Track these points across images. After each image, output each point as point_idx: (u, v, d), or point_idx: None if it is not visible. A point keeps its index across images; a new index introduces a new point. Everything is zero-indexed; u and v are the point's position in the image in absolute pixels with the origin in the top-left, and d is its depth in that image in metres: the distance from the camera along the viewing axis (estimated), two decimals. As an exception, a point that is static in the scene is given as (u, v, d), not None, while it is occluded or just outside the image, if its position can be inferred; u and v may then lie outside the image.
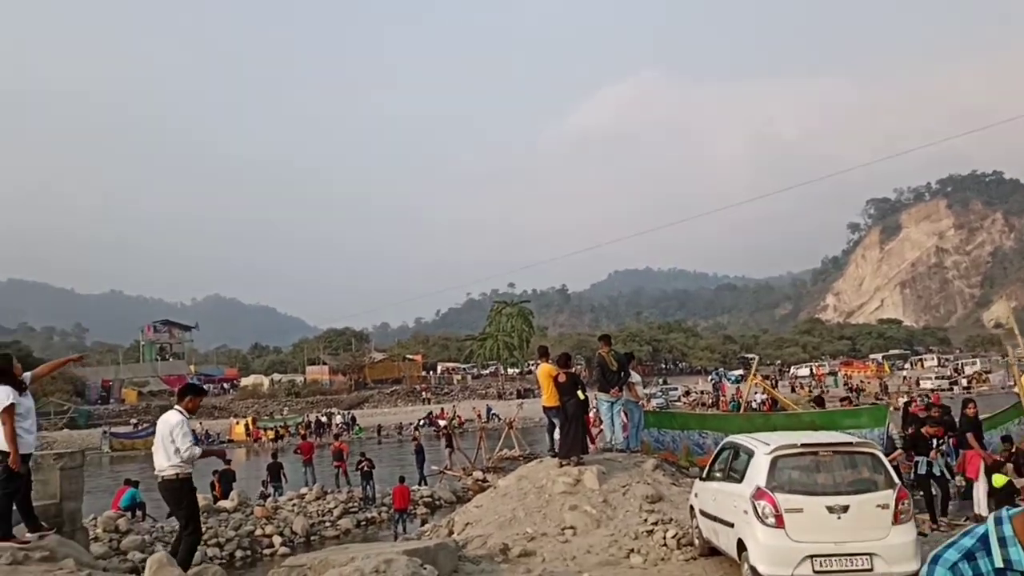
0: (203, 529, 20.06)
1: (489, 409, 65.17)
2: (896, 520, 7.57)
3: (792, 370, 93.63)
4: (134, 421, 66.07)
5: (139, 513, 20.05)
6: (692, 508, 9.69)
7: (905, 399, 39.79)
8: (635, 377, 13.26)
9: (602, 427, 13.28)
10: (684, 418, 15.59)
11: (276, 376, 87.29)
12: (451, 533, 11.13)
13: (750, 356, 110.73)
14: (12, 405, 6.77)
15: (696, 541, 9.49)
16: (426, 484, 28.19)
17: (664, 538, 9.76)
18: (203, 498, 21.63)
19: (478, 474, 30.00)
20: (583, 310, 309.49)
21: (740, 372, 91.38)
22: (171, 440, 7.21)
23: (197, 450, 7.38)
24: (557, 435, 12.58)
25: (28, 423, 6.98)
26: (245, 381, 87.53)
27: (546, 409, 12.34)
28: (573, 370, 12.24)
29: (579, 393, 11.63)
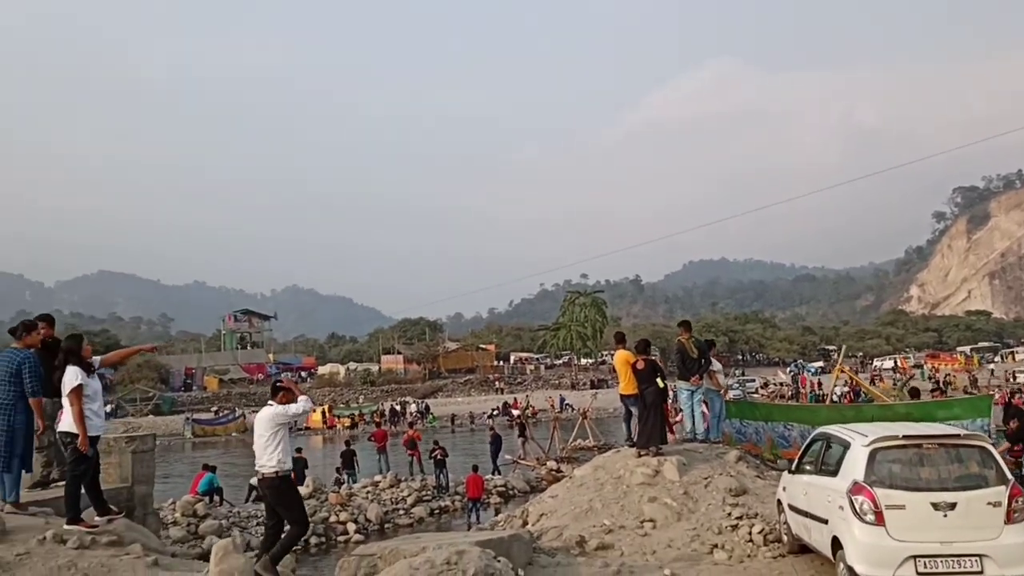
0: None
1: (562, 399, 64.82)
2: (1009, 519, 6.93)
3: (875, 363, 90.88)
4: (215, 408, 67.50)
5: (216, 498, 20.27)
6: (780, 502, 9.16)
7: (1002, 391, 38.12)
8: (716, 365, 12.72)
9: (681, 417, 12.74)
10: (768, 409, 14.91)
11: (352, 365, 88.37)
12: (525, 524, 10.80)
13: (831, 347, 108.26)
14: (81, 386, 6.68)
15: (784, 537, 8.96)
16: (499, 473, 27.99)
17: (750, 533, 9.25)
18: (279, 484, 21.96)
19: (552, 464, 29.72)
20: (657, 301, 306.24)
21: (820, 364, 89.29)
22: (271, 436, 7.06)
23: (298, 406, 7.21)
24: (635, 424, 12.15)
25: (96, 405, 6.89)
26: (322, 370, 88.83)
27: (623, 397, 11.91)
28: (652, 357, 11.78)
29: (658, 381, 11.18)
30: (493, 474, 27.88)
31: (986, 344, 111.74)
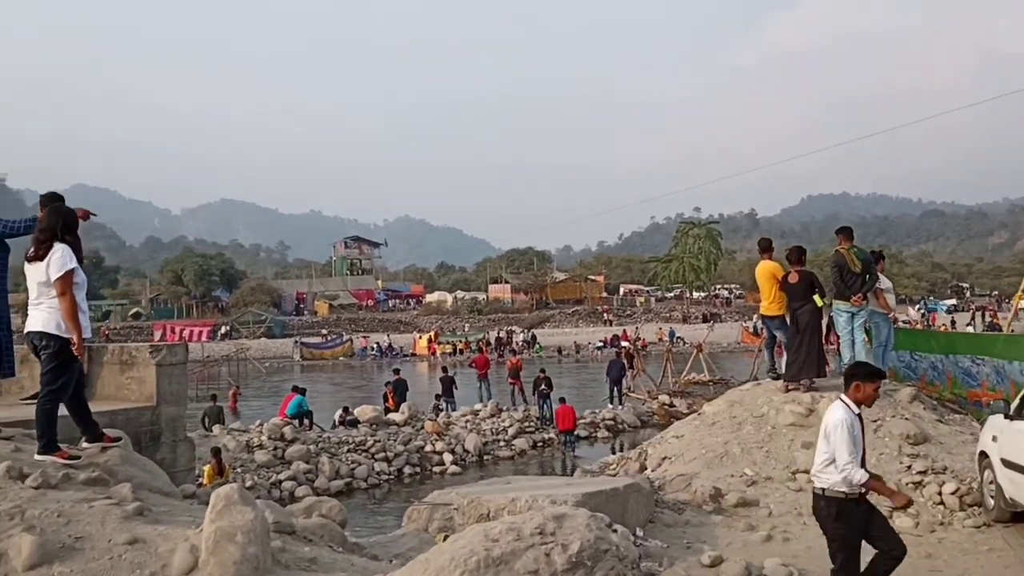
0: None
1: (673, 333, 62.53)
2: None
3: (1016, 301, 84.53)
4: (324, 332, 68.01)
5: (306, 422, 19.17)
6: (983, 456, 7.04)
7: None
8: (884, 283, 10.28)
9: (837, 344, 10.39)
10: (949, 338, 12.40)
11: (460, 293, 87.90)
12: (643, 469, 8.95)
13: (964, 284, 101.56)
14: (72, 271, 5.06)
15: (991, 500, 6.84)
16: (619, 403, 26.28)
17: (939, 494, 7.16)
18: (373, 409, 20.66)
19: (664, 398, 27.77)
20: (773, 236, 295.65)
21: (952, 302, 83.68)
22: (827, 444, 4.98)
23: (858, 475, 4.94)
24: (780, 352, 10.05)
25: (81, 297, 5.24)
26: (429, 297, 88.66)
27: (766, 319, 9.78)
28: (808, 269, 9.57)
29: (816, 298, 9.04)
30: (611, 403, 26.23)
31: None
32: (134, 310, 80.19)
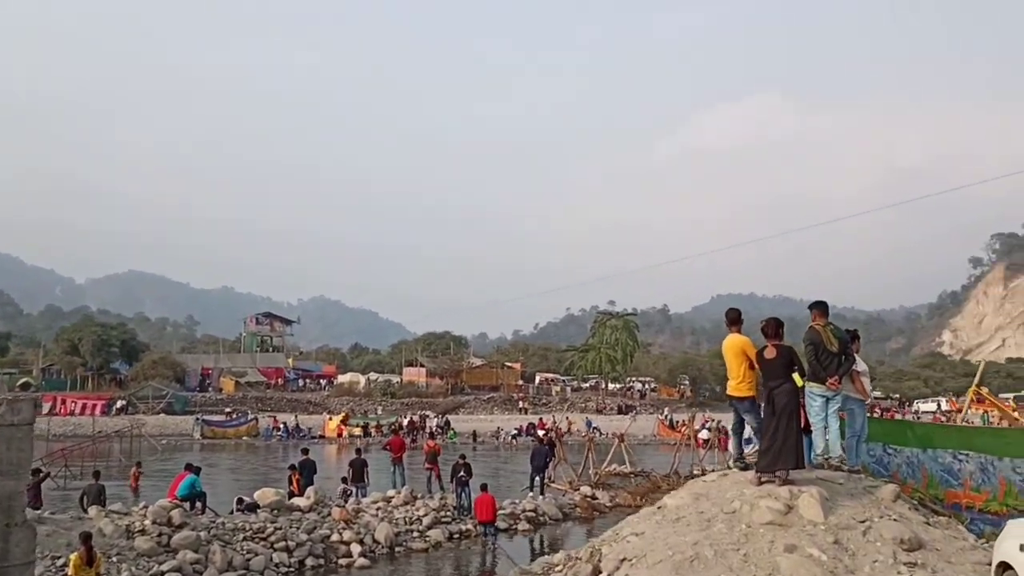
0: (275, 528, 17.23)
1: (590, 422, 61.64)
2: None
3: (916, 404, 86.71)
4: (228, 410, 64.95)
5: (198, 504, 17.24)
6: (1005, 567, 6.01)
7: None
8: (860, 365, 9.34)
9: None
10: (927, 430, 11.39)
11: (373, 375, 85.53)
12: (597, 572, 7.67)
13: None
14: None
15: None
16: (543, 494, 24.79)
17: (950, 612, 6.08)
18: (275, 492, 18.80)
19: (586, 489, 26.54)
20: (684, 332, 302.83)
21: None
22: None
23: None
24: (749, 437, 8.96)
25: None
26: (341, 378, 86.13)
27: (735, 400, 8.70)
28: (786, 343, 8.56)
29: (795, 377, 8.03)
30: (530, 491, 24.78)
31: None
32: (23, 380, 74.98)
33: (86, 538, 11.96)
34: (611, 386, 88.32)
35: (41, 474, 19.85)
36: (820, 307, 9.19)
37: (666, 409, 75.20)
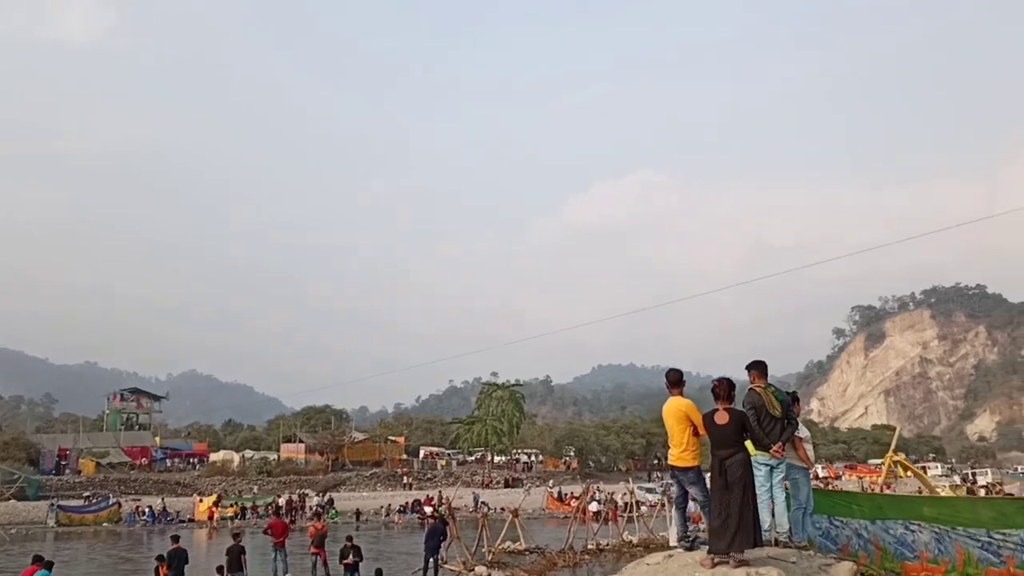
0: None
1: (477, 497, 60.07)
2: None
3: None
4: (87, 494, 60.30)
5: (48, 605, 15.09)
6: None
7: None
8: (803, 431, 8.56)
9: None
10: (876, 500, 10.59)
11: (248, 453, 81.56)
12: None
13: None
14: None
15: None
16: (436, 575, 23.25)
17: None
18: (139, 588, 16.75)
19: (481, 569, 25.06)
20: (566, 402, 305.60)
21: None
22: None
23: None
24: (693, 511, 8.02)
25: None
26: (214, 457, 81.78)
27: (678, 471, 7.73)
28: (737, 408, 7.68)
29: (749, 445, 7.15)
30: (429, 573, 23.22)
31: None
32: None
33: None
34: (497, 458, 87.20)
35: None
36: (759, 367, 8.42)
37: (551, 481, 74.44)
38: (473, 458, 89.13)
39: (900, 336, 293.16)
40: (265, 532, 23.21)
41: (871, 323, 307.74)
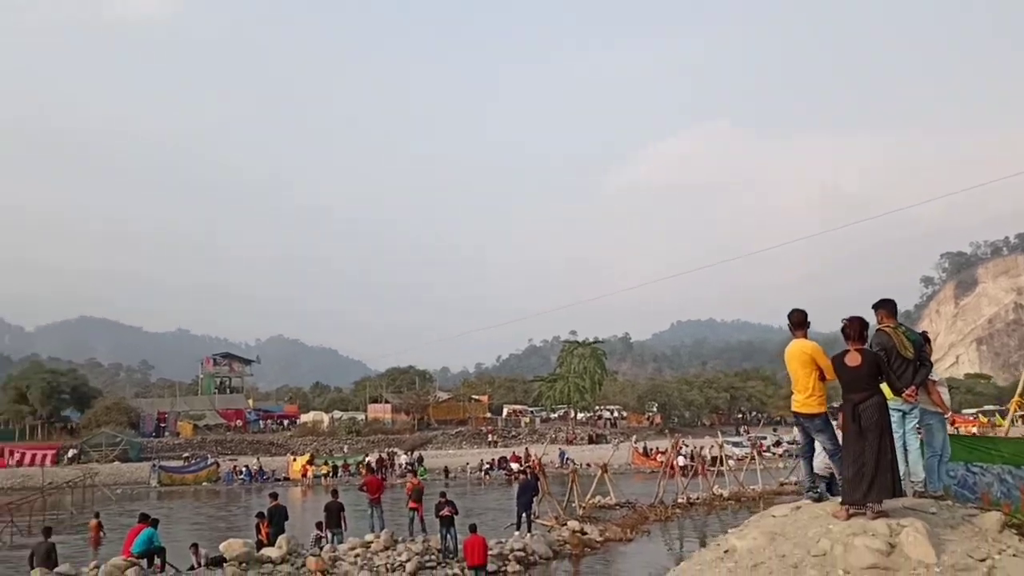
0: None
1: (562, 453, 60.25)
2: None
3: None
4: (186, 455, 62.53)
5: (157, 560, 15.51)
6: None
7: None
8: (937, 374, 8.07)
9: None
10: (1021, 445, 9.93)
11: (336, 413, 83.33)
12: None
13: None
14: None
15: None
16: (530, 531, 23.23)
17: None
18: (243, 543, 17.12)
19: (574, 524, 25.07)
20: (646, 359, 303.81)
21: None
22: None
23: None
24: (820, 462, 7.64)
25: None
26: (304, 418, 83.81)
27: (802, 418, 7.31)
28: (872, 348, 7.19)
29: (885, 388, 6.71)
30: (517, 529, 23.26)
31: (990, 408, 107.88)
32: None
33: None
34: (580, 415, 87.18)
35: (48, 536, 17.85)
36: (887, 306, 7.84)
37: (634, 436, 74.23)
38: (556, 415, 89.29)
39: (993, 282, 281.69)
40: (361, 489, 23.50)
41: (961, 270, 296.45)
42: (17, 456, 58.85)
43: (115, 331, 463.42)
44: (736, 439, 65.56)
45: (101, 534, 25.83)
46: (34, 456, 59.10)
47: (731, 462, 41.91)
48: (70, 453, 61.47)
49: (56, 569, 14.04)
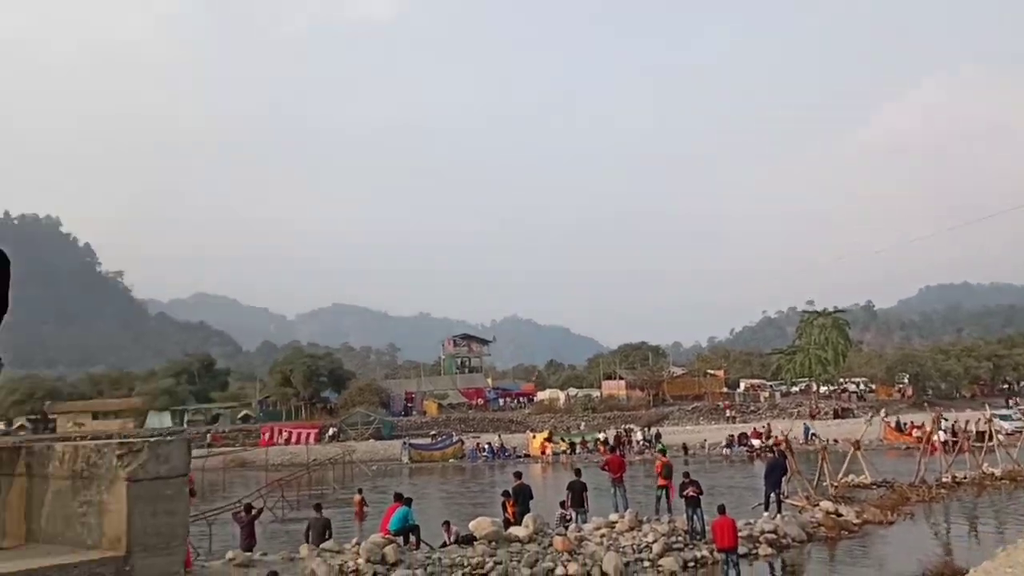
0: (489, 561, 15.89)
1: (807, 429, 57.58)
2: None
3: None
4: (433, 432, 65.50)
5: (412, 539, 16.06)
6: None
7: None
8: None
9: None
10: None
11: (571, 390, 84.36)
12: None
13: None
14: None
15: None
16: (780, 512, 22.19)
17: None
18: (492, 522, 17.40)
19: (827, 504, 23.63)
20: (891, 328, 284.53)
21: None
22: None
23: None
24: None
25: None
26: (541, 395, 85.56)
27: None
28: None
29: None
30: (767, 510, 22.28)
31: None
32: (243, 412, 79.69)
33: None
34: (823, 388, 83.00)
35: (254, 511, 19.35)
36: None
37: (883, 410, 69.54)
38: (797, 389, 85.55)
39: None
40: (603, 468, 23.32)
41: None
42: (285, 435, 63.99)
43: (364, 316, 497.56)
44: (1005, 411, 59.85)
45: (364, 508, 27.49)
46: (299, 435, 64.05)
47: (1000, 437, 38.16)
48: (330, 432, 66.27)
49: (321, 545, 14.86)
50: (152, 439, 3.67)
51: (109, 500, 3.63)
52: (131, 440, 3.65)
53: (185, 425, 75.52)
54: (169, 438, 3.75)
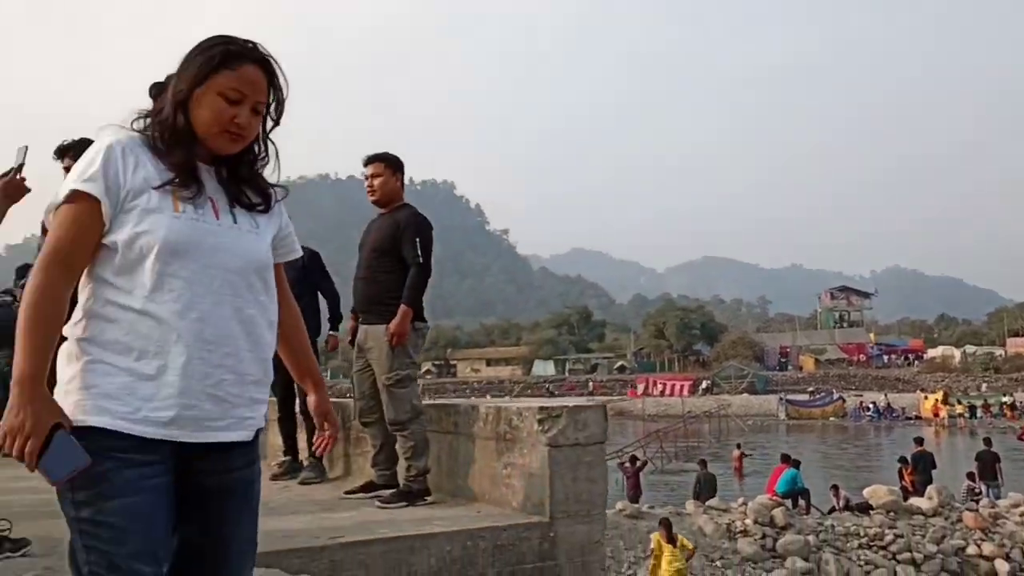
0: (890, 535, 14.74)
1: None
2: None
3: None
4: (811, 389, 62.79)
5: (801, 502, 15.29)
6: None
7: None
8: None
9: None
10: None
11: (968, 348, 76.13)
12: None
13: None
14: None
15: None
16: None
17: None
18: (889, 491, 16.05)
19: None
20: None
21: None
22: None
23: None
24: None
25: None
26: (931, 353, 78.28)
27: None
28: None
29: None
30: None
31: None
32: (619, 364, 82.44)
33: (665, 522, 11.33)
34: None
35: (638, 462, 19.69)
36: None
37: None
38: None
39: None
40: (1021, 438, 20.65)
41: None
42: (660, 387, 65.14)
43: (734, 269, 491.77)
44: None
45: (743, 464, 27.06)
46: (673, 387, 64.81)
47: None
48: (703, 385, 66.27)
49: (708, 502, 14.69)
50: (570, 405, 3.60)
51: (531, 463, 3.64)
52: (550, 406, 3.62)
53: (567, 374, 79.93)
54: (588, 403, 3.64)
